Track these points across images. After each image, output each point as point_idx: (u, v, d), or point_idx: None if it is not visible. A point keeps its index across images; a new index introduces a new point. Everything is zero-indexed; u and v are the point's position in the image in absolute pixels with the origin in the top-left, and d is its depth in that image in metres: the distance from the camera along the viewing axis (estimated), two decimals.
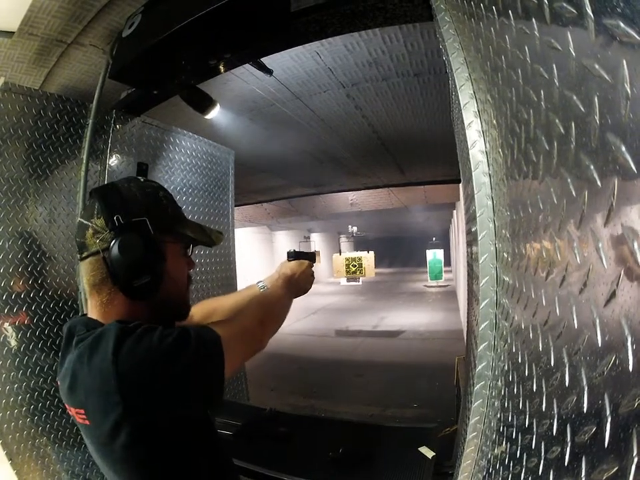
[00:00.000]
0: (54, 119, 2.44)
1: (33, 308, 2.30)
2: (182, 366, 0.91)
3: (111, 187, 1.09)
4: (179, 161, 3.25)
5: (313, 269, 1.74)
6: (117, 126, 2.75)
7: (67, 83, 2.72)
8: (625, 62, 0.36)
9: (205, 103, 2.73)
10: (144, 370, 0.88)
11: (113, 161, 2.72)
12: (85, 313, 1.11)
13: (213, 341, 0.98)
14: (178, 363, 0.90)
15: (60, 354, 1.04)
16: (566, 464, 0.49)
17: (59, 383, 1.03)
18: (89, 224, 1.03)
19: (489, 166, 1.10)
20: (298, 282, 1.63)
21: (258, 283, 1.65)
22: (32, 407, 2.27)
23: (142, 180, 1.15)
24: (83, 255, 1.04)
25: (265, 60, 2.71)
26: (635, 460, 0.34)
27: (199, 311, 1.60)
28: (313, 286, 1.71)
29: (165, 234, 1.09)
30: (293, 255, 1.73)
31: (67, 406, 1.00)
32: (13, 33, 2.26)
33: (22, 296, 2.26)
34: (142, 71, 2.22)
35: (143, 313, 1.05)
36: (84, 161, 2.53)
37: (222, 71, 2.44)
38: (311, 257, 1.78)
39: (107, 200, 1.03)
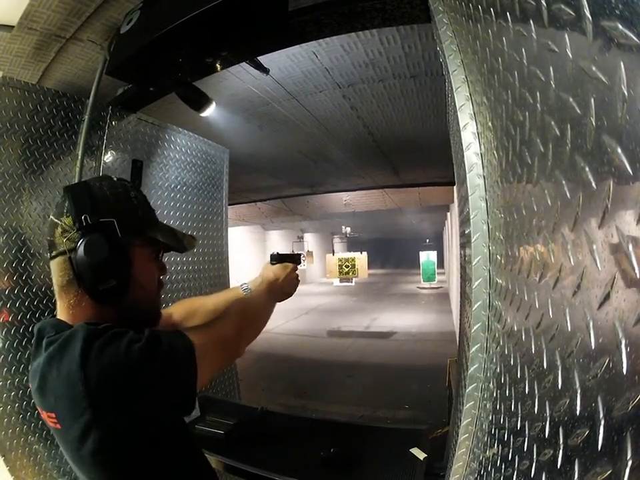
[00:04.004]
0: (50, 114, 2.43)
1: (17, 305, 2.28)
2: (149, 375, 0.89)
3: (82, 185, 1.06)
4: (173, 159, 3.24)
5: (297, 272, 1.70)
6: (113, 122, 2.74)
7: (64, 79, 2.71)
8: (622, 64, 0.36)
9: (200, 101, 2.72)
10: (110, 376, 0.85)
11: (108, 157, 2.71)
12: (54, 314, 1.07)
13: (186, 349, 0.96)
14: (145, 371, 0.88)
15: (31, 356, 1.02)
16: (558, 467, 0.49)
17: (30, 385, 1.00)
18: (59, 222, 1.00)
19: (483, 168, 1.10)
20: (281, 287, 1.60)
21: (242, 285, 1.62)
22: (25, 403, 2.26)
23: (115, 179, 1.11)
24: (52, 254, 1.02)
25: (262, 59, 2.71)
26: (629, 463, 0.33)
27: (179, 311, 1.57)
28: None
29: (134, 237, 1.06)
30: (277, 258, 1.67)
31: (38, 409, 0.97)
32: (13, 27, 2.25)
33: (6, 292, 2.24)
34: (139, 68, 2.22)
35: (111, 318, 1.01)
36: (79, 157, 2.52)
37: (218, 68, 2.43)
38: (296, 259, 1.73)
39: (77, 198, 1.00)
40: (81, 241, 0.97)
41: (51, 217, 1.04)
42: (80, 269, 0.98)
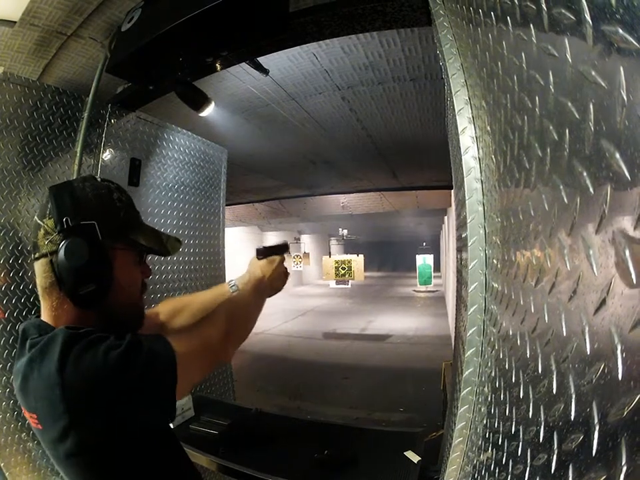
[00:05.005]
0: (50, 111, 2.42)
1: (12, 302, 2.27)
2: (127, 381, 0.87)
3: (65, 186, 1.04)
4: (172, 158, 3.23)
5: (285, 263, 1.62)
6: (112, 120, 2.73)
7: (65, 76, 2.71)
8: (622, 68, 0.35)
9: (200, 100, 2.72)
10: (87, 382, 0.85)
11: (107, 155, 2.70)
12: (39, 314, 1.06)
13: (166, 357, 0.94)
14: (123, 377, 0.87)
15: (15, 356, 1.01)
16: (552, 471, 0.49)
17: (13, 385, 0.99)
18: (41, 224, 0.99)
19: (481, 172, 1.10)
20: (270, 283, 1.54)
21: (229, 282, 1.58)
22: (17, 401, 2.24)
23: (99, 180, 1.09)
24: (35, 256, 1.01)
25: (262, 59, 2.71)
26: (624, 469, 0.33)
27: (164, 310, 1.55)
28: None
29: (116, 240, 1.04)
30: (263, 252, 1.59)
31: (22, 408, 0.97)
32: (15, 22, 2.25)
33: (2, 289, 2.24)
34: (139, 66, 2.21)
35: (94, 321, 1.00)
36: (77, 155, 2.51)
37: (218, 68, 2.44)
38: (283, 249, 1.64)
39: (59, 200, 0.99)
40: (62, 243, 0.96)
41: (35, 217, 1.03)
42: (61, 272, 0.97)
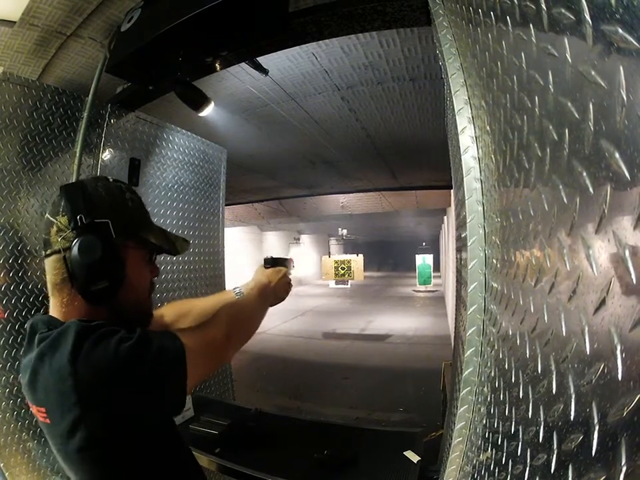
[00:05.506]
0: (49, 111, 2.42)
1: (12, 302, 2.26)
2: (138, 373, 0.89)
3: (78, 185, 1.06)
4: (171, 158, 3.23)
5: (290, 276, 1.71)
6: (112, 120, 2.73)
7: (64, 76, 2.71)
8: (621, 68, 0.35)
9: (199, 100, 2.72)
10: (99, 373, 0.86)
11: (106, 155, 2.70)
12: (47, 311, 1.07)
13: (176, 349, 0.96)
14: (134, 369, 0.88)
15: (22, 351, 1.02)
16: (552, 471, 0.49)
17: (20, 381, 1.00)
18: (54, 221, 1.01)
19: (480, 172, 1.10)
20: (274, 291, 1.60)
21: (234, 288, 1.62)
22: (19, 400, 2.25)
23: (111, 180, 1.12)
24: (47, 253, 1.02)
25: (261, 59, 2.71)
26: (624, 469, 0.33)
27: (169, 312, 1.58)
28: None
29: (128, 238, 1.06)
30: (271, 262, 1.67)
31: (29, 403, 0.98)
32: (15, 22, 2.25)
33: (2, 289, 2.23)
34: (138, 66, 2.21)
35: (103, 317, 1.00)
36: (77, 155, 2.51)
37: (218, 68, 2.44)
38: (289, 262, 1.74)
39: (73, 198, 1.01)
40: (75, 240, 0.98)
41: (47, 215, 1.04)
42: (74, 269, 0.98)
